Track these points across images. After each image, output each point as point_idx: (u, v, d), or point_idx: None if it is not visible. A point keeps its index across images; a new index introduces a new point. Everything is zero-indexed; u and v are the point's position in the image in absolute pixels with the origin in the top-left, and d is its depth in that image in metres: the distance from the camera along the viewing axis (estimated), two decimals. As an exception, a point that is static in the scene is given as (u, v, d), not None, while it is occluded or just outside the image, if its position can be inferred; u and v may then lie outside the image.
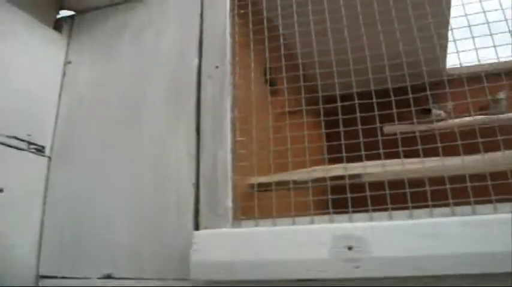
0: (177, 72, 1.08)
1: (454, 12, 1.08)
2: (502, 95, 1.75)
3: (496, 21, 0.95)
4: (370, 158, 0.92)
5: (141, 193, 1.00)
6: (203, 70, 1.05)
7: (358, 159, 0.93)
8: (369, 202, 0.86)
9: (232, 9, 1.11)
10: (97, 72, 1.18)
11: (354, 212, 0.86)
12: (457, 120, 1.45)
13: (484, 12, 0.95)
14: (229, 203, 0.93)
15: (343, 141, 0.93)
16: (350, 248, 0.81)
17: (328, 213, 0.88)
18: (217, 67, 1.04)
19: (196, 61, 1.07)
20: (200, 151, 0.99)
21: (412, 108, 0.95)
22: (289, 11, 1.05)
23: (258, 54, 1.05)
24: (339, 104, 0.98)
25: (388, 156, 0.91)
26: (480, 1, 0.97)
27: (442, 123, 1.64)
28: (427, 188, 0.84)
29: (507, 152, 0.88)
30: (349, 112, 0.96)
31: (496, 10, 0.97)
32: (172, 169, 0.99)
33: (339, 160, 0.96)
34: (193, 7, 1.13)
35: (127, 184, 1.02)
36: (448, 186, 0.83)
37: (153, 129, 1.05)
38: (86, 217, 1.03)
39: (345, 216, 0.86)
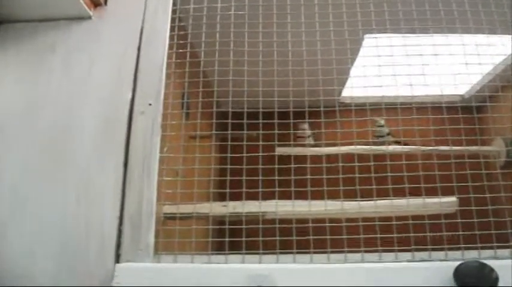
0: (109, 104, 1.10)
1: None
2: (381, 121, 1.99)
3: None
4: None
5: (64, 223, 1.02)
6: (136, 105, 1.10)
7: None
8: (277, 244, 0.99)
9: (171, 47, 1.16)
10: (23, 92, 1.15)
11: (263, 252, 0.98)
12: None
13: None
14: (152, 239, 1.00)
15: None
16: (259, 287, 0.92)
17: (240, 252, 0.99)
18: (150, 104, 1.09)
19: (129, 95, 1.10)
20: (126, 185, 1.03)
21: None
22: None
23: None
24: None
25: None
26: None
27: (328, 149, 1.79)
28: (327, 236, 0.99)
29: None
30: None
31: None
32: (97, 201, 1.03)
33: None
34: (131, 39, 1.16)
35: (49, 213, 1.03)
36: (345, 236, 0.99)
37: (80, 159, 1.06)
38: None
39: (256, 257, 0.98)
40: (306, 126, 2.11)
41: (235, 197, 1.06)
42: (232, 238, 1.01)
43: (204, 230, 1.03)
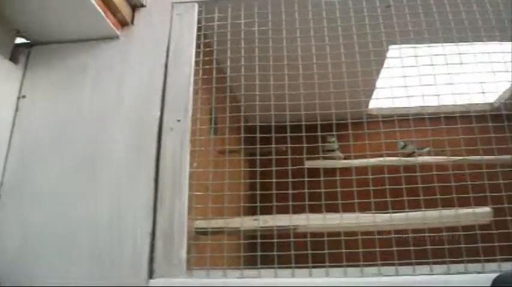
0: (139, 121, 1.13)
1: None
2: (401, 142, 1.95)
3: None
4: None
5: (98, 238, 1.03)
6: (165, 122, 1.12)
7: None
8: (309, 258, 0.98)
9: (197, 64, 1.18)
10: (54, 111, 1.18)
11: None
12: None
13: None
14: (184, 255, 1.00)
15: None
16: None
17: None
18: (178, 121, 1.11)
19: (158, 113, 1.12)
20: (158, 201, 1.05)
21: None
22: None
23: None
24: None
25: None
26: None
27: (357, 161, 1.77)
28: (360, 250, 0.98)
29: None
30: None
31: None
32: (130, 217, 1.04)
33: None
34: (158, 57, 1.19)
35: (83, 229, 1.04)
36: (377, 249, 0.98)
37: (112, 175, 1.08)
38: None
39: (289, 271, 0.97)
40: (333, 139, 2.10)
41: (266, 211, 1.06)
42: (263, 252, 1.01)
43: (236, 245, 1.03)
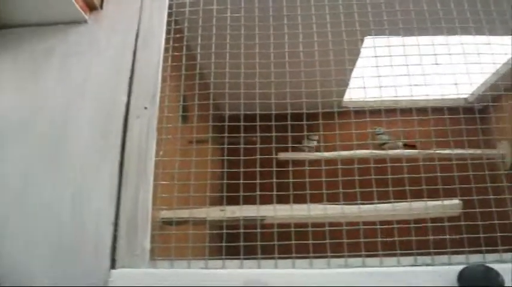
0: (105, 108, 1.09)
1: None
2: (380, 129, 1.96)
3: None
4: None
5: (59, 225, 1.00)
6: (131, 109, 1.08)
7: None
8: (276, 249, 0.96)
9: (167, 50, 1.15)
10: (19, 96, 1.14)
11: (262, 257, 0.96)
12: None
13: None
14: (147, 244, 0.97)
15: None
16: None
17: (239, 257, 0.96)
18: (146, 108, 1.08)
19: (125, 99, 1.09)
20: (122, 189, 1.02)
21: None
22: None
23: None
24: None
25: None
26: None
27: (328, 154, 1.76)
28: (327, 241, 0.97)
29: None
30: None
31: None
32: (93, 206, 1.01)
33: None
34: (127, 42, 1.16)
35: (44, 215, 1.01)
36: (345, 240, 0.97)
37: (76, 163, 1.05)
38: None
39: (254, 262, 0.95)
40: (316, 138, 2.09)
41: (237, 202, 1.04)
42: (231, 243, 0.99)
43: (204, 235, 1.01)
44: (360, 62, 1.28)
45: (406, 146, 1.67)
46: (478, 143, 1.13)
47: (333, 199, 1.02)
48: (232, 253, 0.98)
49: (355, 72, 1.20)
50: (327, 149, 1.20)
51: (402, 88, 1.12)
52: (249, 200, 1.04)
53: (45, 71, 1.16)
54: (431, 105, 1.18)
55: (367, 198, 1.02)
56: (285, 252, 0.96)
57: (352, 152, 1.20)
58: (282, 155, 1.11)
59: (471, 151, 1.13)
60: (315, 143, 2.00)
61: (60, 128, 1.09)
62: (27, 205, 1.03)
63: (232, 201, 1.05)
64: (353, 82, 1.21)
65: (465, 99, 1.58)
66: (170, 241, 1.00)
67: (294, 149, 1.39)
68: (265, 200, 1.05)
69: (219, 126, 1.10)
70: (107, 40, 1.17)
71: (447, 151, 1.14)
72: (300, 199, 1.04)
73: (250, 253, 0.96)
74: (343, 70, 1.14)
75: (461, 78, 1.16)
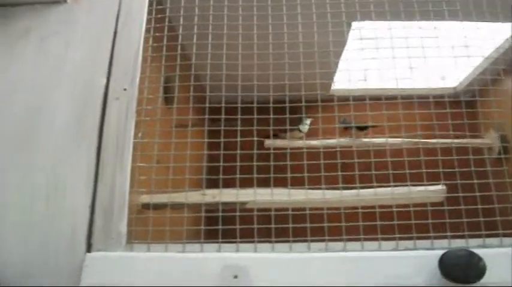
0: (83, 89, 1.06)
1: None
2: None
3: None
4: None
5: (32, 210, 0.97)
6: (110, 91, 1.06)
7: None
8: (255, 233, 0.94)
9: (148, 31, 1.12)
10: (-4, 76, 1.11)
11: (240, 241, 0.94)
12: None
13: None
14: (124, 228, 0.95)
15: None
16: (236, 276, 0.88)
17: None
18: (125, 89, 1.05)
19: (104, 80, 1.06)
20: (99, 172, 0.99)
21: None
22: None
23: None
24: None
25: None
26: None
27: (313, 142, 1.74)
28: (307, 225, 0.95)
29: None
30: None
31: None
32: (69, 189, 0.98)
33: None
34: (107, 22, 1.12)
35: (16, 199, 0.98)
36: (326, 224, 0.95)
37: (52, 145, 1.02)
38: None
39: (233, 246, 0.93)
40: (309, 121, 2.06)
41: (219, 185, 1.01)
42: (209, 226, 0.97)
43: (184, 219, 0.99)
44: (345, 51, 1.25)
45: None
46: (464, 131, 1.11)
47: (314, 183, 1.00)
48: (214, 237, 0.96)
49: (343, 57, 1.18)
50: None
51: (388, 71, 1.10)
52: (232, 184, 1.02)
53: (21, 53, 1.13)
54: (419, 93, 1.16)
55: (349, 182, 1.01)
56: (266, 236, 0.94)
57: (335, 140, 1.19)
58: (268, 142, 1.09)
59: (457, 141, 1.12)
60: (307, 127, 1.98)
61: (36, 109, 1.06)
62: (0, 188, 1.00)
63: (216, 185, 1.03)
64: (340, 70, 1.19)
65: (454, 88, 1.57)
66: (149, 225, 0.98)
67: (279, 137, 1.39)
68: (250, 185, 1.03)
69: (202, 108, 1.08)
70: (87, 20, 1.14)
71: (433, 141, 1.12)
72: (283, 184, 1.02)
73: (230, 237, 0.95)
74: (328, 61, 1.12)
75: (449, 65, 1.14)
